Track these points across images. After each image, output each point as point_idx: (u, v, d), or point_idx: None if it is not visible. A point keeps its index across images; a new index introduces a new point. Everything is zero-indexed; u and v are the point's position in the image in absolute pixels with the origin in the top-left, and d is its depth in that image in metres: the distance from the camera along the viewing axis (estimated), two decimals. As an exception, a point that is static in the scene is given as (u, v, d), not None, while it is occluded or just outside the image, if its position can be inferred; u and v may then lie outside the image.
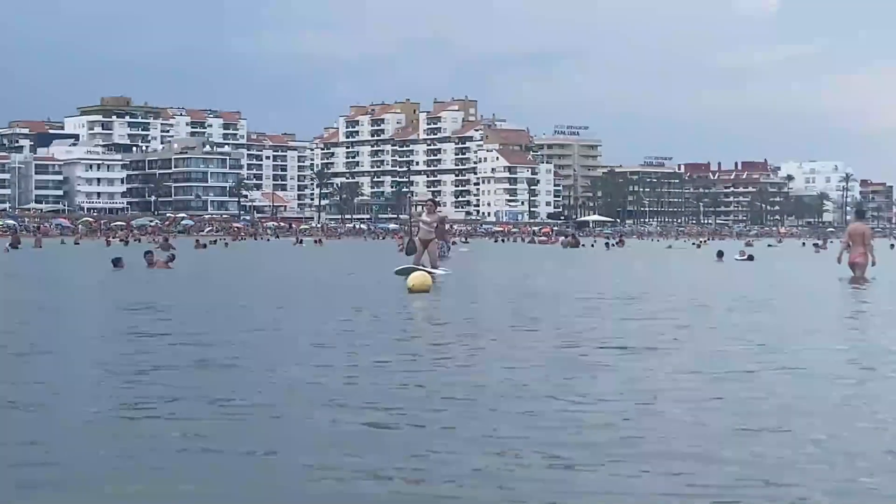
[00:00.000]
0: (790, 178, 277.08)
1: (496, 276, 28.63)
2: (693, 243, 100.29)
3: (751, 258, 42.53)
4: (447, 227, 29.42)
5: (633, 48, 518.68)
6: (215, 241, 78.14)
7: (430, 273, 21.71)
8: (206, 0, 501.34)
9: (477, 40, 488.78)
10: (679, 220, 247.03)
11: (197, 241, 70.90)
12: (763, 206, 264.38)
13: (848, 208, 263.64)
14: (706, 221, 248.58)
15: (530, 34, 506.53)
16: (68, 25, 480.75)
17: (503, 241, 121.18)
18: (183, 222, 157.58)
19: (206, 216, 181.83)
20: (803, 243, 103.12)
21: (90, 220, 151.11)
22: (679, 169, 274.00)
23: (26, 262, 39.50)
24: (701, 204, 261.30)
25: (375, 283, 22.53)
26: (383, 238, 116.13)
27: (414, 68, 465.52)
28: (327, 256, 48.71)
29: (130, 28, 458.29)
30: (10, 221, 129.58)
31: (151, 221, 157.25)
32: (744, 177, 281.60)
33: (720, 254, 41.69)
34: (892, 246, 76.35)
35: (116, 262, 29.71)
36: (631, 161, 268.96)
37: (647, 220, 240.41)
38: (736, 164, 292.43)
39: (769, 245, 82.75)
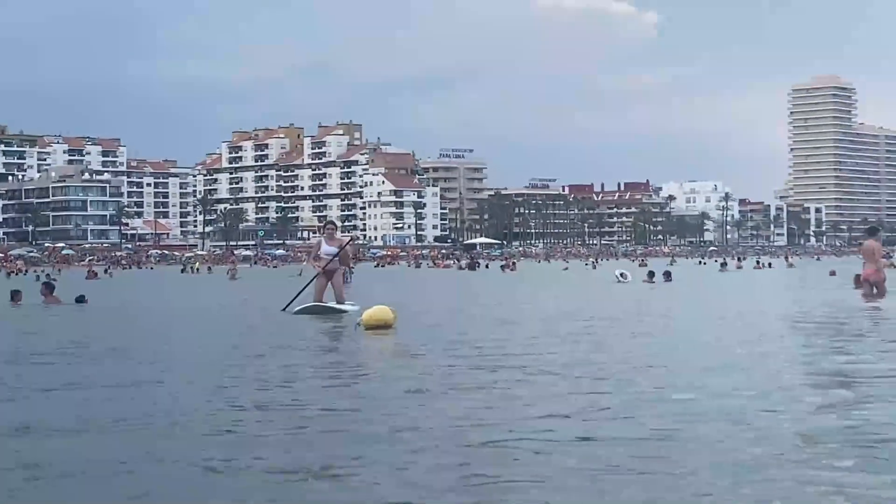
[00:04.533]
0: (672, 198, 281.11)
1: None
2: (585, 264, 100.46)
3: (667, 275, 41.83)
4: (352, 252, 24.30)
5: (517, 72, 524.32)
6: (99, 272, 75.24)
7: (336, 309, 19.28)
8: (83, 28, 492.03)
9: (359, 66, 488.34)
10: (565, 242, 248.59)
11: (90, 270, 68.44)
12: (646, 225, 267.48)
13: (728, 227, 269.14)
14: (591, 242, 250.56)
15: (414, 59, 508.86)
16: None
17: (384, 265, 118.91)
18: (63, 252, 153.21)
19: (87, 245, 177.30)
20: (700, 262, 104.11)
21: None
22: (564, 190, 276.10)
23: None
24: (586, 225, 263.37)
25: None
26: (274, 266, 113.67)
27: (297, 95, 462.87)
28: (237, 286, 46.75)
29: (4, 56, 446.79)
30: None
31: (30, 252, 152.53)
32: (627, 197, 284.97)
33: (651, 274, 40.86)
34: (758, 262, 77.26)
35: (14, 296, 27.12)
36: (516, 183, 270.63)
37: (533, 241, 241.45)
38: (619, 184, 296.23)
39: (669, 264, 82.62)
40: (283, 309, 20.01)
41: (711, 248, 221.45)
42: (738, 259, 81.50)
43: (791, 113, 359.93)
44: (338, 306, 19.63)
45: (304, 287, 20.88)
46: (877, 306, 19.78)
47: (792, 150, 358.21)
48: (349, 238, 23.01)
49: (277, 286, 23.23)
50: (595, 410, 7.25)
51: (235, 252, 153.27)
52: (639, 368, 9.66)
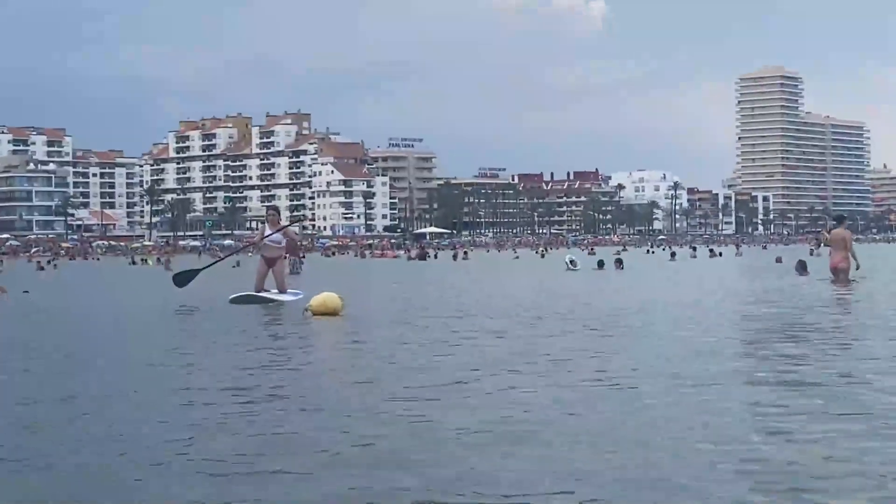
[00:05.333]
0: (621, 187, 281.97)
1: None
2: (536, 252, 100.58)
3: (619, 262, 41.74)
4: (298, 239, 24.01)
5: (467, 65, 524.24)
6: (48, 262, 74.27)
7: (275, 300, 19.03)
8: (31, 18, 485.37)
9: (309, 58, 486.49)
10: (515, 231, 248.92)
11: (38, 262, 68.08)
12: (595, 214, 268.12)
13: (677, 216, 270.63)
14: (541, 231, 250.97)
15: (363, 51, 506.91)
16: None
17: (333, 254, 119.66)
18: (8, 243, 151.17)
19: (32, 236, 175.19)
20: (649, 250, 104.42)
21: None
22: (513, 180, 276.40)
23: None
24: (535, 214, 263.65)
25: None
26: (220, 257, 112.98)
27: (246, 86, 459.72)
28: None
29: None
30: None
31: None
32: (576, 187, 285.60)
33: (601, 263, 40.73)
34: (711, 251, 77.50)
35: None
36: (465, 173, 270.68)
37: (483, 230, 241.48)
38: (568, 174, 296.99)
39: (617, 252, 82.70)
40: (181, 285, 20.29)
41: (661, 236, 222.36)
42: (693, 248, 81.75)
43: (738, 102, 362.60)
44: (275, 296, 19.28)
45: (204, 268, 21.27)
46: (846, 294, 19.85)
47: (739, 139, 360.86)
48: (297, 218, 22.75)
49: (215, 276, 22.66)
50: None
51: (182, 243, 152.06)
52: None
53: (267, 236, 19.97)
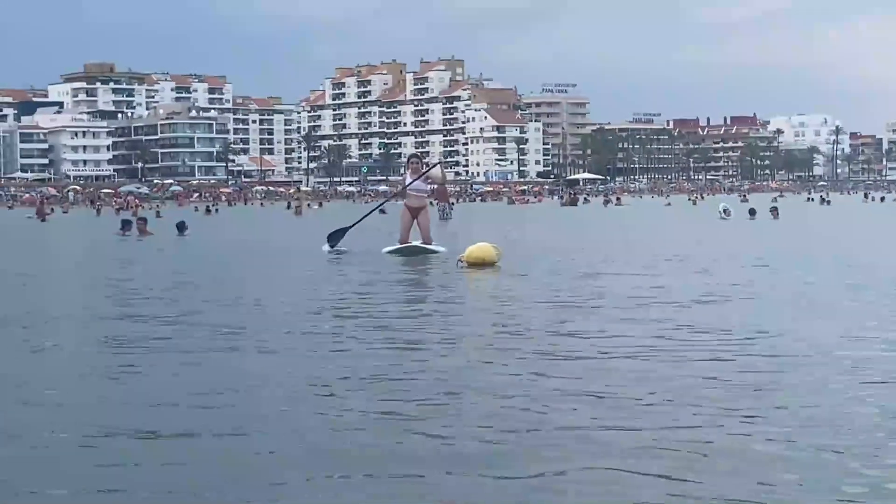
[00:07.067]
0: (779, 132, 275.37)
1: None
2: (689, 199, 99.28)
3: (771, 210, 41.05)
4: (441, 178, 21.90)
5: (616, 4, 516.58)
6: (208, 208, 76.72)
7: (428, 249, 18.39)
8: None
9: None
10: (669, 177, 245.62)
11: (206, 207, 71.75)
12: (753, 160, 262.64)
13: (838, 161, 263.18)
14: (696, 177, 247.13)
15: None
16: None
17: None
18: (171, 188, 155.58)
19: (194, 182, 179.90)
20: (808, 198, 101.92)
21: (77, 187, 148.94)
22: (668, 125, 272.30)
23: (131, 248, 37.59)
24: (691, 160, 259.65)
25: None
26: (366, 202, 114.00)
27: (397, 27, 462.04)
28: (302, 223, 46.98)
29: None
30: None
31: (139, 188, 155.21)
32: (733, 132, 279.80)
33: (752, 212, 40.02)
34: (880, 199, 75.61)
35: (125, 225, 30.23)
36: (619, 118, 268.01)
37: (637, 177, 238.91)
38: (725, 119, 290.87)
39: (774, 200, 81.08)
40: (331, 249, 19.24)
41: (821, 182, 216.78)
42: (866, 195, 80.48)
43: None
44: (429, 247, 18.64)
45: (353, 225, 19.96)
46: None
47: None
48: (435, 163, 21.35)
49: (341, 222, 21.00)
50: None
51: (339, 188, 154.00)
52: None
53: (408, 185, 19.23)
